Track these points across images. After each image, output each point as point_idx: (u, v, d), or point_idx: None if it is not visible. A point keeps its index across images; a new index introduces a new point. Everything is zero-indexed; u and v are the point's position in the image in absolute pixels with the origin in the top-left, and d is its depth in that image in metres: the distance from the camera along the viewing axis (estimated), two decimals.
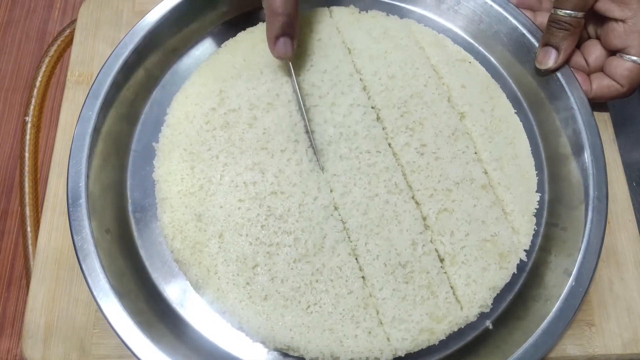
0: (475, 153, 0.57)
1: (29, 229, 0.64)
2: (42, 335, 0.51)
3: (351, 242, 0.53)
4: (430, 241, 0.53)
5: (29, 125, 0.69)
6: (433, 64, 0.62)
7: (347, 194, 0.54)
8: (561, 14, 0.55)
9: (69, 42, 0.72)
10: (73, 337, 0.51)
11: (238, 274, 0.51)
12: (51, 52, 0.71)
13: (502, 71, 0.64)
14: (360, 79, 0.60)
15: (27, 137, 0.68)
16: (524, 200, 0.56)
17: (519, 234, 0.55)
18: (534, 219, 0.56)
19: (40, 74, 0.71)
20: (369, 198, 0.54)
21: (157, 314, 0.51)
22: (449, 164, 0.56)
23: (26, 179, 0.66)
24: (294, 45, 0.55)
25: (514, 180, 0.57)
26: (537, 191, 0.57)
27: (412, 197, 0.55)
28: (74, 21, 0.68)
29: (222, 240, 0.52)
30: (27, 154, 0.68)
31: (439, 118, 0.58)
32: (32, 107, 0.69)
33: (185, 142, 0.56)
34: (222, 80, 0.59)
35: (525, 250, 0.54)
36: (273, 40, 0.54)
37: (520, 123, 0.60)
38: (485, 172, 0.57)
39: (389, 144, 0.57)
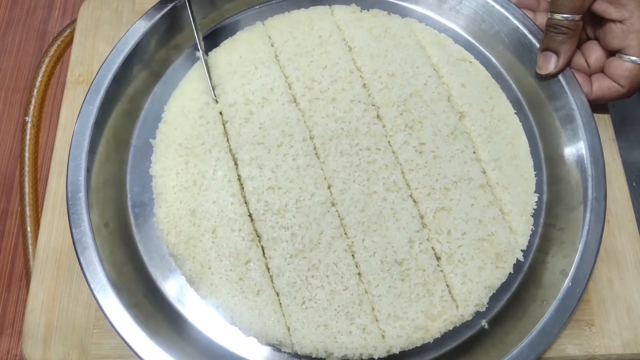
0: (474, 152, 0.57)
1: (29, 229, 0.64)
2: (42, 335, 0.51)
3: (348, 238, 0.53)
4: (427, 239, 0.53)
5: (29, 125, 0.69)
6: (433, 63, 0.62)
7: (346, 191, 0.54)
8: (558, 18, 0.54)
9: (69, 42, 0.72)
10: (73, 337, 0.51)
11: (231, 269, 0.51)
12: (51, 52, 0.71)
13: (503, 71, 0.64)
14: (361, 77, 0.60)
15: (27, 137, 0.68)
16: (522, 201, 0.56)
17: (516, 234, 0.55)
18: (532, 220, 0.56)
19: (40, 74, 0.71)
20: (367, 195, 0.54)
21: (154, 307, 0.51)
22: (447, 163, 0.56)
23: (26, 179, 0.67)
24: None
25: (512, 181, 0.57)
26: (535, 192, 0.57)
27: (410, 195, 0.55)
28: (74, 21, 0.68)
29: (215, 235, 0.52)
30: (27, 154, 0.68)
31: (438, 117, 0.58)
32: (32, 107, 0.69)
33: (180, 137, 0.56)
34: (218, 77, 0.59)
35: (522, 251, 0.54)
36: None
37: (520, 123, 0.60)
38: (484, 172, 0.57)
39: (388, 142, 0.57)
